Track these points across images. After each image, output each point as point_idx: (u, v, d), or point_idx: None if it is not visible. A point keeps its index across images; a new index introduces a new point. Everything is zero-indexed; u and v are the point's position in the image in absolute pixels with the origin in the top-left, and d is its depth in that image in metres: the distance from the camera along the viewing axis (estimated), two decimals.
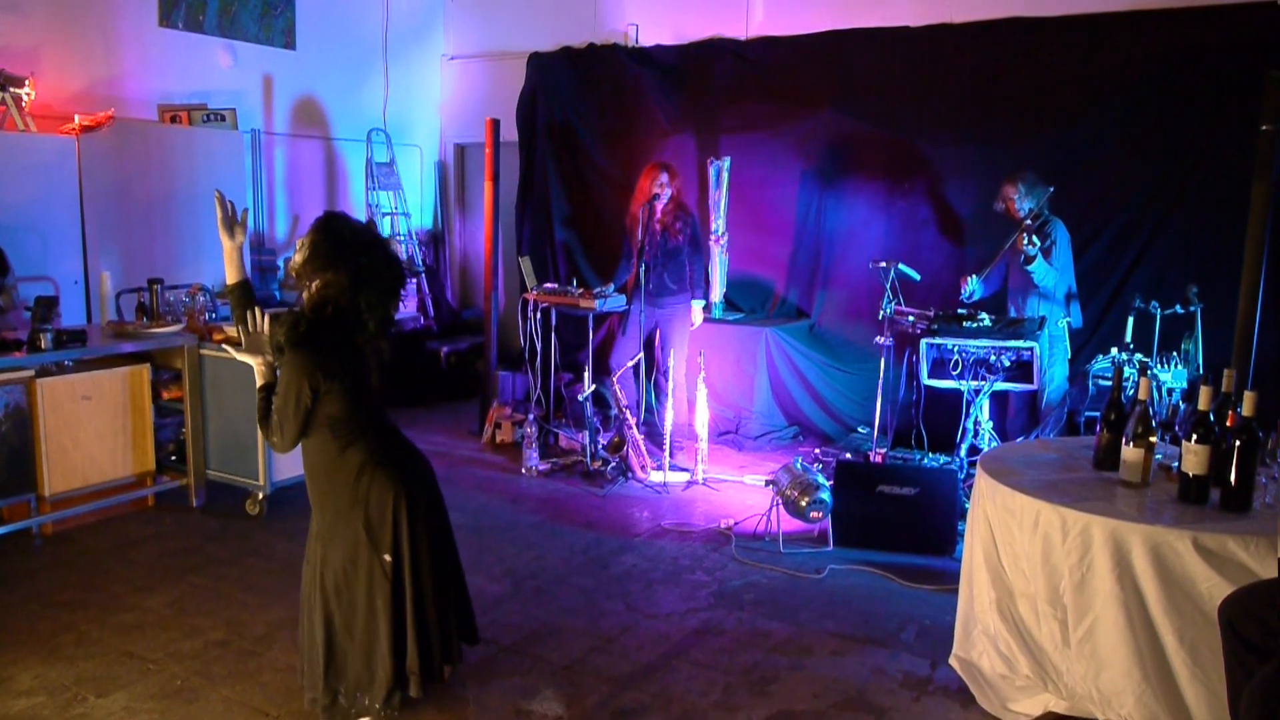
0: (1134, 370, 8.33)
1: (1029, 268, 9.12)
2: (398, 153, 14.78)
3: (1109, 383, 8.03)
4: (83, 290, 10.31)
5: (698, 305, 10.89)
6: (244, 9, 12.64)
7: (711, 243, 11.92)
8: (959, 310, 9.41)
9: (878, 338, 9.61)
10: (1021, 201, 9.43)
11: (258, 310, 5.63)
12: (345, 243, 5.13)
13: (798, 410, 11.72)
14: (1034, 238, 9.07)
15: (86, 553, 7.98)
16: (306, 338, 5.09)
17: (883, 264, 9.60)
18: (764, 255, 12.49)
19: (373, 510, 5.24)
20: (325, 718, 5.44)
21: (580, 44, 13.86)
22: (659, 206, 10.44)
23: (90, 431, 8.41)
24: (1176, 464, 5.16)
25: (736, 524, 8.81)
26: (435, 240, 15.79)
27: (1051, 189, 9.38)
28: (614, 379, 10.45)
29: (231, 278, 5.84)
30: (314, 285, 5.15)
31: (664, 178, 10.45)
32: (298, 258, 5.21)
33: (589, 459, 10.41)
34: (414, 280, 14.42)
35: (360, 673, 5.36)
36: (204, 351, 8.94)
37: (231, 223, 5.87)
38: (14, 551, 7.98)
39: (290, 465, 8.79)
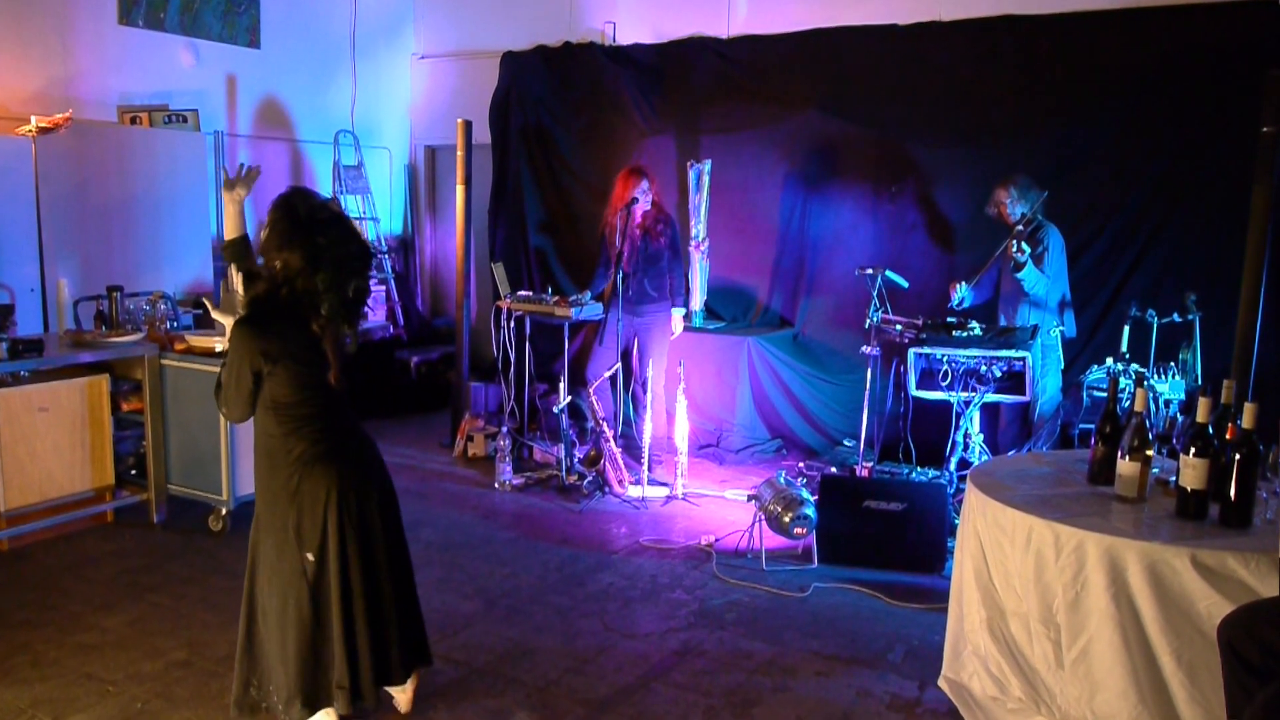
0: (1130, 381, 8.37)
1: (1019, 275, 9.13)
2: (366, 155, 14.78)
3: (1104, 394, 8.07)
4: (39, 298, 10.26)
5: (678, 314, 10.91)
6: (206, 6, 12.61)
7: (692, 249, 11.92)
8: (948, 319, 9.41)
9: (864, 347, 9.59)
10: (1014, 206, 9.42)
11: (233, 268, 5.61)
12: (301, 220, 5.06)
13: (781, 422, 11.72)
14: (1024, 244, 9.06)
15: (43, 570, 7.93)
16: (252, 318, 5.07)
17: (869, 270, 9.61)
18: (746, 262, 12.50)
19: (304, 503, 5.20)
20: (234, 710, 5.44)
21: (556, 43, 13.86)
22: (638, 211, 10.48)
23: (47, 444, 8.36)
24: (1174, 478, 5.16)
25: (717, 540, 8.80)
26: (405, 246, 15.78)
27: (1046, 193, 9.39)
28: (590, 390, 10.44)
29: (229, 233, 5.85)
30: (276, 265, 5.11)
31: (645, 184, 10.50)
32: (262, 235, 5.19)
33: (564, 473, 10.38)
34: (383, 288, 14.41)
35: (274, 668, 5.35)
36: (165, 361, 8.88)
37: (233, 182, 5.90)
38: None
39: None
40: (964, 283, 9.67)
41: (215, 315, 5.39)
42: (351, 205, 14.36)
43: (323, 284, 5.04)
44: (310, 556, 5.19)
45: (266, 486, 5.33)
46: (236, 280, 5.51)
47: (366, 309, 5.44)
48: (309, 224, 5.04)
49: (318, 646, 5.28)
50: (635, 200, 10.42)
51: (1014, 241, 9.06)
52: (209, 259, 11.99)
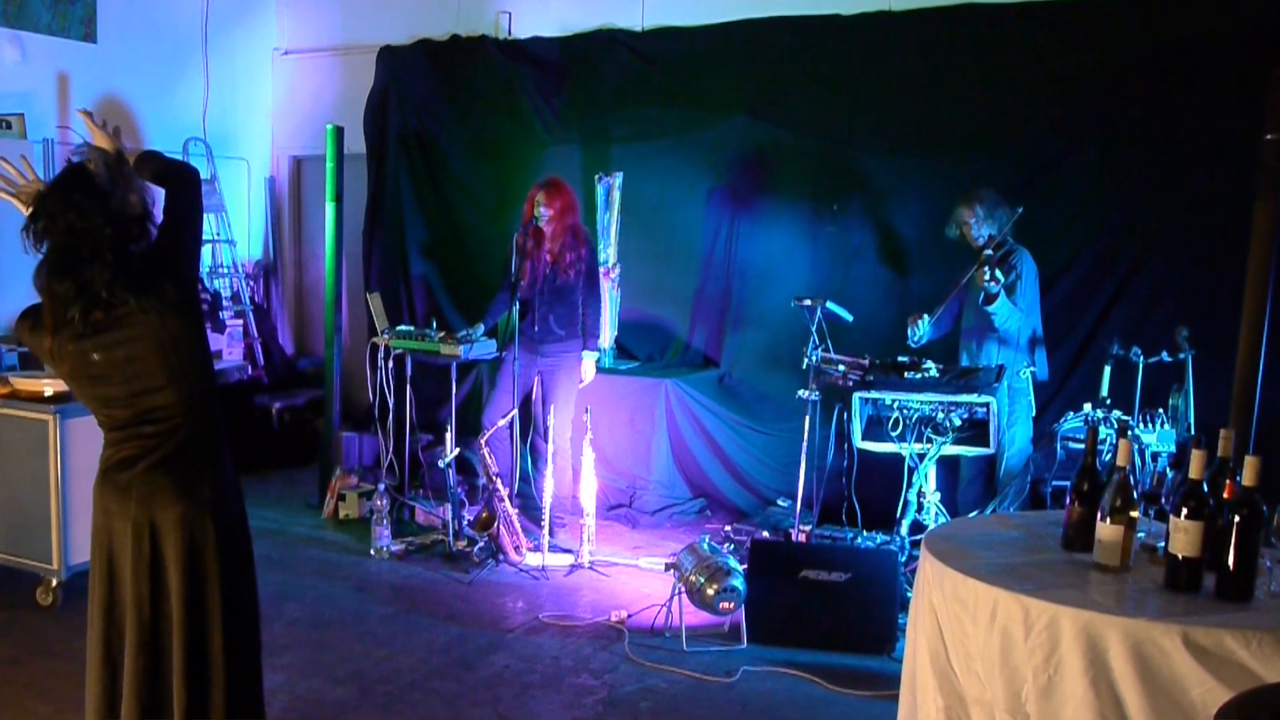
0: (1111, 430, 8.35)
1: (990, 308, 9.09)
2: (220, 167, 14.62)
3: (1081, 446, 8.04)
4: None
5: (590, 358, 10.85)
6: None
7: (600, 276, 11.81)
8: (899, 358, 9.37)
9: (801, 391, 9.54)
10: (980, 226, 9.40)
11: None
12: None
13: (704, 479, 11.69)
14: (997, 271, 9.02)
15: None
16: (26, 310, 5.13)
17: (807, 301, 9.57)
18: (664, 291, 12.50)
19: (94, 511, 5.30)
20: None
21: (441, 36, 13.83)
22: (546, 231, 10.43)
23: None
24: (1163, 544, 5.11)
25: (630, 616, 8.76)
26: (266, 273, 15.68)
27: (1019, 211, 9.35)
28: (482, 441, 10.34)
29: None
30: None
31: (541, 196, 10.44)
32: None
33: (452, 538, 10.32)
34: (239, 322, 14.29)
35: None
36: None
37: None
38: None
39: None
40: (926, 315, 9.61)
41: (6, 197, 5.27)
42: (204, 226, 14.16)
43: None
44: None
45: None
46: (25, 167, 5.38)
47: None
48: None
49: None
50: (537, 218, 10.37)
51: (985, 268, 9.01)
52: None
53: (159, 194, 5.27)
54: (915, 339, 9.58)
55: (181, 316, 5.10)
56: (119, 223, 4.97)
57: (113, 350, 4.94)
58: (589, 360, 10.85)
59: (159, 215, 5.21)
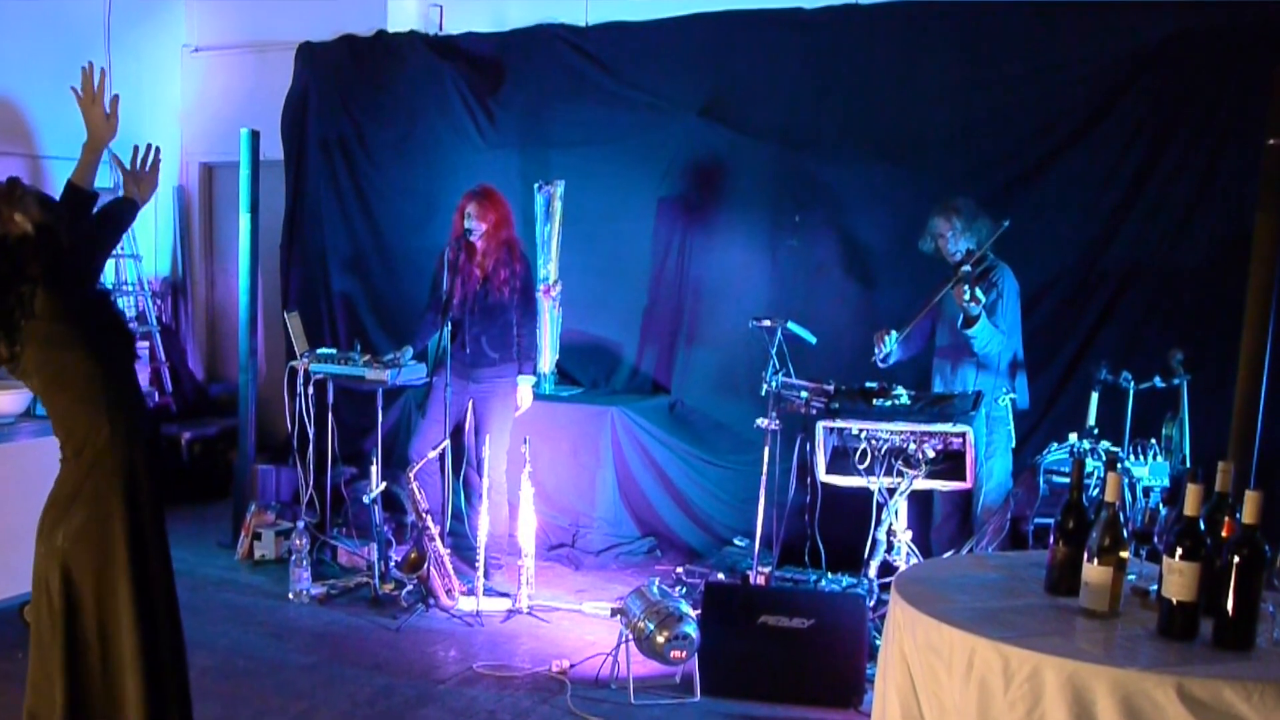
0: (1099, 463, 8.32)
1: (970, 331, 9.02)
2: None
3: (1066, 480, 8.01)
4: None
5: (526, 383, 10.80)
6: None
7: (540, 294, 11.81)
8: (867, 384, 9.31)
9: (759, 420, 9.51)
10: (958, 240, 9.35)
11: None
12: None
13: (654, 515, 11.67)
14: (977, 290, 8.90)
15: None
16: None
17: (766, 322, 9.53)
18: (609, 310, 12.50)
19: None
20: None
21: (367, 32, 13.80)
22: (478, 245, 10.39)
23: None
24: (1155, 587, 5.10)
25: (573, 666, 8.71)
26: (174, 291, 15.60)
27: (1006, 223, 9.21)
28: (411, 474, 10.28)
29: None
30: None
31: (471, 208, 10.39)
32: None
33: (378, 580, 10.28)
34: (145, 344, 14.21)
35: None
36: None
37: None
38: None
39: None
40: (894, 331, 9.51)
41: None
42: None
43: None
44: None
45: None
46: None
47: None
48: None
49: None
50: (469, 231, 10.33)
51: (964, 287, 8.92)
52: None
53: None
54: (881, 357, 9.49)
55: (64, 349, 5.16)
56: None
57: (30, 380, 5.17)
58: (525, 385, 10.80)
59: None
